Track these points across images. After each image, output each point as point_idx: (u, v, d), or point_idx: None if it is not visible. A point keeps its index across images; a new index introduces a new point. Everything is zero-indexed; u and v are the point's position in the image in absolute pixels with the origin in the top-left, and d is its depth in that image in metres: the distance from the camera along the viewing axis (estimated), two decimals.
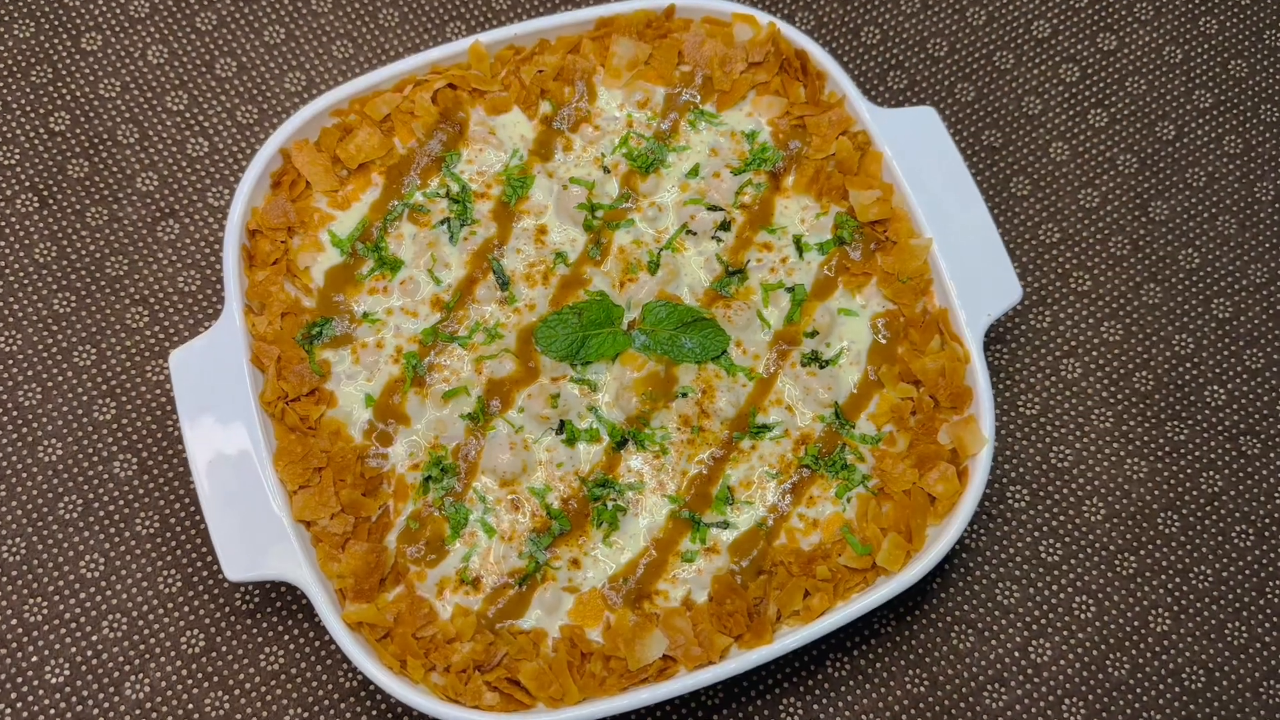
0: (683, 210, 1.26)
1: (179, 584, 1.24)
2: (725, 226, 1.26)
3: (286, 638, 1.24)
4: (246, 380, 1.14)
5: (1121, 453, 1.34)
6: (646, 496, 1.18)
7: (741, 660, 1.11)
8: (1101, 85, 1.49)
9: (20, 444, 1.28)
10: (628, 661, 1.10)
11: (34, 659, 1.22)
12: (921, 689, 1.26)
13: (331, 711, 1.22)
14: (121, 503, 1.27)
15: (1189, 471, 1.35)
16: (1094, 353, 1.39)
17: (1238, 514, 1.33)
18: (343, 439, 1.17)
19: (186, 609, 1.24)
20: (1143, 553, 1.31)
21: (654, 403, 1.19)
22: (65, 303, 1.34)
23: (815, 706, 1.23)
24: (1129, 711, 1.26)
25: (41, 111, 1.39)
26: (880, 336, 1.23)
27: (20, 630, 1.22)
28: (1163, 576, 1.31)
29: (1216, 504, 1.34)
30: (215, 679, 1.22)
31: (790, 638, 1.11)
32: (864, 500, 1.18)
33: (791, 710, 1.24)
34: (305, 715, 1.21)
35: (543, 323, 1.20)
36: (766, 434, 1.20)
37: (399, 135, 1.26)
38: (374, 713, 1.22)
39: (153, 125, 1.40)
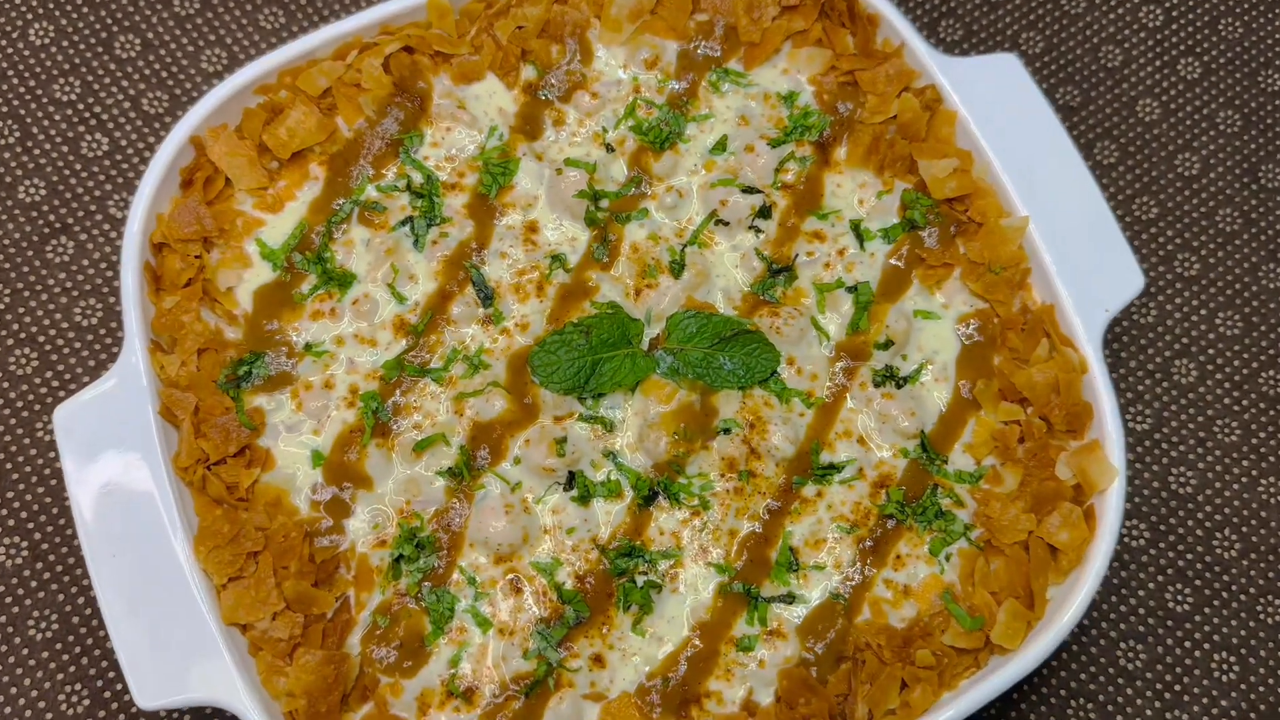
0: (709, 195, 1.19)
1: (86, 702, 1.16)
2: (765, 213, 1.18)
3: None
4: (155, 439, 1.05)
5: (1253, 471, 1.27)
6: (686, 567, 1.09)
7: None
8: (1191, 29, 1.44)
9: None
10: None
11: None
12: None
13: None
14: (10, 600, 1.19)
15: None
16: (1210, 350, 1.32)
17: None
18: (284, 512, 1.08)
19: None
20: None
21: (688, 443, 1.11)
22: None
23: None
24: None
25: None
26: (970, 343, 1.15)
27: None
28: None
29: None
30: None
31: None
32: (967, 557, 1.09)
33: None
34: None
35: (540, 346, 1.12)
36: (835, 476, 1.11)
37: (343, 114, 1.19)
38: None
39: (37, 120, 1.34)
